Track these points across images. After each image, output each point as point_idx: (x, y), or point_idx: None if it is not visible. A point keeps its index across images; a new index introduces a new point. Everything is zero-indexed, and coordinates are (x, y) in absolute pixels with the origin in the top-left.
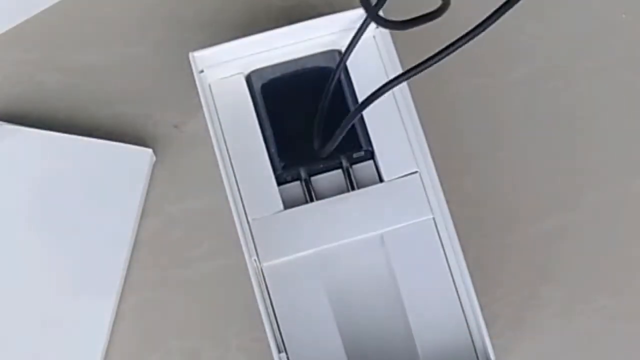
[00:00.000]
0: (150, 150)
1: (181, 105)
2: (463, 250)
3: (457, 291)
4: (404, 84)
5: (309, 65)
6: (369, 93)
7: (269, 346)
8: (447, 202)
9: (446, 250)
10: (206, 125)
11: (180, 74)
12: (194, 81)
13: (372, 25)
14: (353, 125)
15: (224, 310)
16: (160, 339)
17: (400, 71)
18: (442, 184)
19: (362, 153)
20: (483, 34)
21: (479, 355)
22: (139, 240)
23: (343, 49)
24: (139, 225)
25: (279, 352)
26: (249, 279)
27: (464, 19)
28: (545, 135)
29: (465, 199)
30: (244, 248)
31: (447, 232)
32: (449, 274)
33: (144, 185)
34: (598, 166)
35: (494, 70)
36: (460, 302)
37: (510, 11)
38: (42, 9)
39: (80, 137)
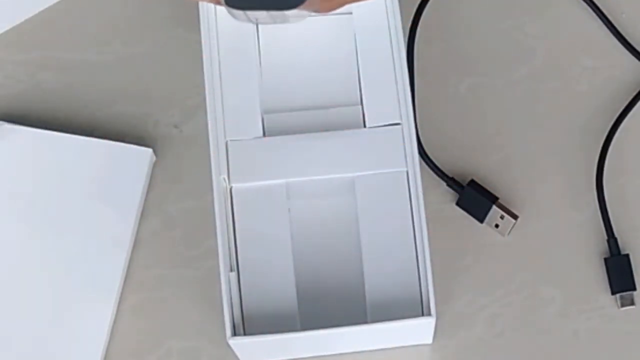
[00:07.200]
0: (150, 150)
1: (181, 105)
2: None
3: (415, 246)
4: (402, 43)
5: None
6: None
7: None
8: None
9: (412, 205)
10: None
11: (180, 74)
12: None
13: None
14: None
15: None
16: (160, 339)
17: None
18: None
19: None
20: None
21: (424, 307)
22: (139, 240)
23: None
24: (139, 225)
25: (231, 270)
26: None
27: None
28: (545, 134)
29: None
30: (213, 166)
31: (415, 187)
32: (411, 228)
33: (144, 185)
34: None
35: (494, 70)
36: (417, 257)
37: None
38: (42, 8)
39: (80, 137)
